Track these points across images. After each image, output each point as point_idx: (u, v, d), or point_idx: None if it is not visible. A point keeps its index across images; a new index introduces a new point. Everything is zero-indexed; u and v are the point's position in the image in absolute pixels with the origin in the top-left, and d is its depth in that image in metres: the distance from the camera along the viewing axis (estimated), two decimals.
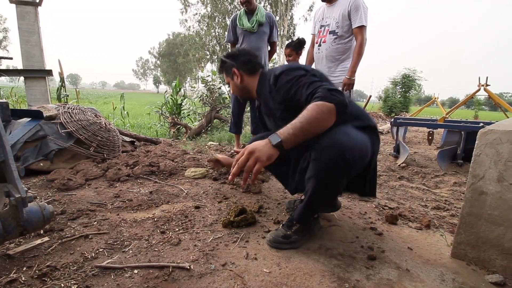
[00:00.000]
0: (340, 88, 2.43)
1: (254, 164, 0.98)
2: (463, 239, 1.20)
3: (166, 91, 7.85)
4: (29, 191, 0.96)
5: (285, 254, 1.23)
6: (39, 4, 3.60)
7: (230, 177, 1.02)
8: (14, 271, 1.05)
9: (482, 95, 6.36)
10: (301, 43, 3.19)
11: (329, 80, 1.27)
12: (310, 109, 1.02)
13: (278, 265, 1.14)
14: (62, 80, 5.77)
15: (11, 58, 2.85)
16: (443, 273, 1.13)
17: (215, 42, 21.43)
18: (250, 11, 2.99)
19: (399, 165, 2.99)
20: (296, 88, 1.17)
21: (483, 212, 1.13)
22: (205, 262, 1.15)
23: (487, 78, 5.55)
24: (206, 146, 3.77)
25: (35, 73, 3.64)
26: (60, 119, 2.50)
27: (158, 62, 60.20)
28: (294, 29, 20.57)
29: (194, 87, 6.66)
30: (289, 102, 1.22)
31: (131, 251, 1.21)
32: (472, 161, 1.15)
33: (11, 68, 4.05)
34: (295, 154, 1.53)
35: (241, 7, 3.01)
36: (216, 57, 21.46)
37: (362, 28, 2.32)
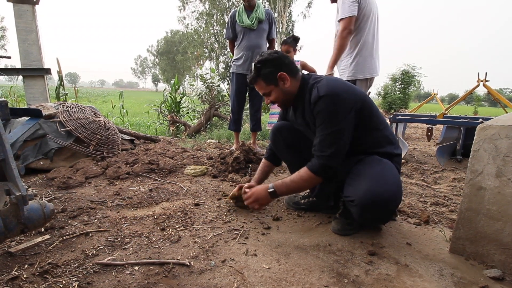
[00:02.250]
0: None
1: (257, 206, 1.48)
2: (461, 234, 1.21)
3: (165, 89, 7.84)
4: (29, 189, 0.96)
5: (285, 250, 1.24)
6: (37, 2, 3.57)
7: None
8: (15, 268, 1.06)
9: (481, 91, 6.35)
10: (296, 39, 3.23)
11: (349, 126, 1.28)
12: (301, 177, 1.34)
13: (277, 261, 1.15)
14: (60, 78, 5.76)
15: (9, 57, 2.84)
16: (442, 268, 1.14)
17: (213, 39, 21.35)
18: (250, 8, 2.96)
19: None
20: (320, 130, 1.30)
21: (482, 207, 1.14)
22: (205, 258, 1.16)
23: (486, 73, 5.54)
24: (206, 144, 3.77)
25: (34, 72, 3.63)
26: (59, 118, 2.49)
27: (157, 60, 60.02)
28: (293, 26, 20.48)
29: (193, 85, 6.65)
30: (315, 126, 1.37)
31: (131, 248, 1.22)
32: (470, 157, 1.15)
33: (9, 67, 4.03)
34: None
35: (240, 3, 3.00)
36: (214, 54, 21.39)
37: (341, 20, 2.16)
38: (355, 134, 1.32)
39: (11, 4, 3.48)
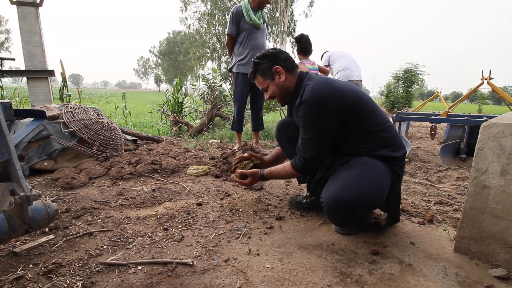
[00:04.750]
0: None
1: (246, 184, 1.67)
2: (466, 234, 1.20)
3: (167, 89, 7.85)
4: (33, 189, 0.97)
5: (287, 250, 1.23)
6: (40, 4, 3.60)
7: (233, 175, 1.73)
8: (20, 268, 1.06)
9: (485, 89, 6.30)
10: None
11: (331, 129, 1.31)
12: (284, 169, 1.49)
13: (280, 261, 1.15)
14: (64, 80, 5.79)
15: (13, 59, 2.87)
16: (446, 267, 1.13)
17: (215, 40, 21.33)
18: (258, 7, 2.89)
19: None
20: (302, 134, 1.35)
21: (486, 206, 1.13)
22: (207, 258, 1.16)
23: (490, 71, 5.48)
24: (208, 144, 3.78)
25: (37, 74, 3.66)
26: (63, 119, 2.51)
27: (159, 60, 60.15)
28: (295, 25, 20.42)
29: (195, 85, 6.66)
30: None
31: (134, 248, 1.22)
32: (475, 155, 1.14)
33: (13, 69, 4.08)
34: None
35: (238, 2, 2.98)
36: (216, 54, 21.39)
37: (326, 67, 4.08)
38: (344, 138, 1.32)
39: (15, 6, 3.51)
